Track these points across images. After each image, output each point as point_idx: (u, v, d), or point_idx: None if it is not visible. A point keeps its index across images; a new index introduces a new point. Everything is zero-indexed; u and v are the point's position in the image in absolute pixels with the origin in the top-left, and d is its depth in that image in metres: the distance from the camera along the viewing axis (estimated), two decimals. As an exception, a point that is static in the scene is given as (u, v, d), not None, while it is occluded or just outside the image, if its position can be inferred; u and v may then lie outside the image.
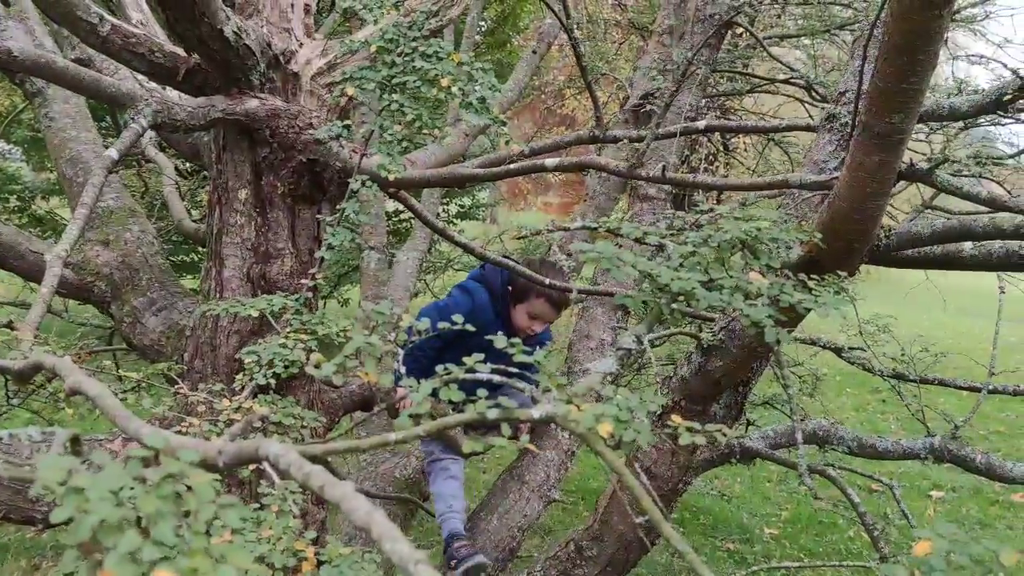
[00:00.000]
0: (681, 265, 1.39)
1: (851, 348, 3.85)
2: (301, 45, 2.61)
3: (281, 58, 2.47)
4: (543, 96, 9.55)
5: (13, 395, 3.01)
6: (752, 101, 7.96)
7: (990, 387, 3.17)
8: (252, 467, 1.87)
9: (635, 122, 4.31)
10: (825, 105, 2.89)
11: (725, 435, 1.17)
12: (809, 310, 1.47)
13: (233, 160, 2.53)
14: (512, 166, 2.55)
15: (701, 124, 3.26)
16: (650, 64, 4.40)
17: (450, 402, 1.11)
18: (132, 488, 0.63)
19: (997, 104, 2.23)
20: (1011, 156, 4.13)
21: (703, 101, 5.25)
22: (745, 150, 8.12)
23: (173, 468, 0.64)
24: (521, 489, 3.31)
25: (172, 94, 2.37)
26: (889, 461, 6.95)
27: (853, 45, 3.05)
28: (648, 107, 4.25)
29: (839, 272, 1.85)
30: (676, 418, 1.16)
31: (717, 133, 6.79)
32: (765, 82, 6.33)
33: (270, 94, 2.45)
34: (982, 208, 2.15)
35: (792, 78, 5.54)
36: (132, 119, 2.07)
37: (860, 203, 1.87)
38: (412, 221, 7.00)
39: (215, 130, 2.54)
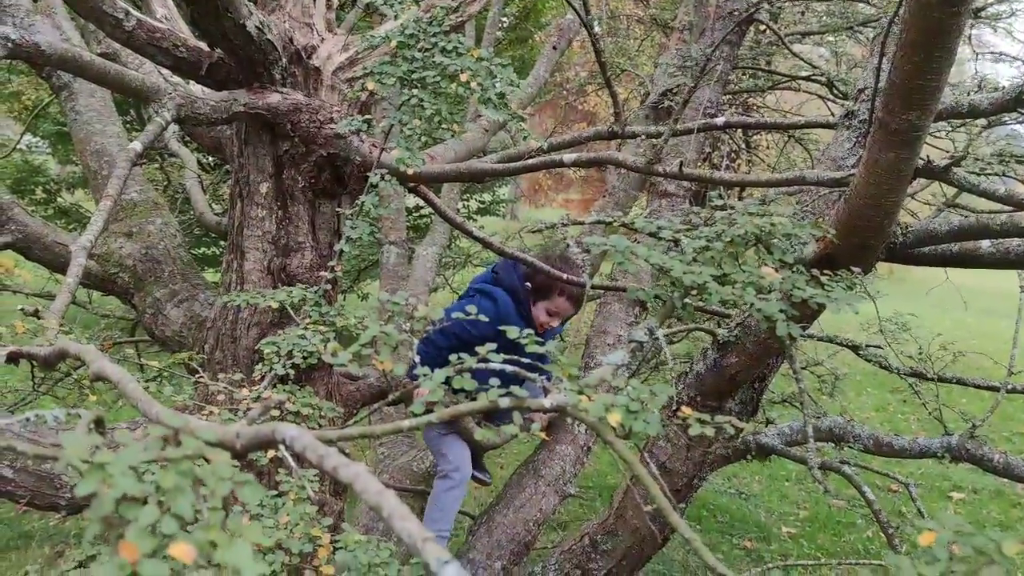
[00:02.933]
0: (694, 259, 1.40)
1: (868, 346, 3.83)
2: (322, 40, 2.64)
3: (303, 53, 2.49)
4: (564, 92, 9.55)
5: (40, 382, 3.06)
6: (774, 98, 7.91)
7: (1009, 386, 3.15)
8: (270, 455, 1.90)
9: (655, 118, 4.32)
10: (846, 102, 2.88)
11: (739, 429, 1.19)
12: (822, 305, 1.47)
13: (255, 154, 2.56)
14: (530, 161, 2.57)
15: (720, 121, 3.26)
16: (670, 60, 4.40)
17: (464, 391, 1.13)
18: (154, 467, 0.65)
19: (1017, 102, 2.22)
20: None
21: (724, 98, 5.24)
22: (767, 147, 8.07)
23: (192, 447, 0.67)
24: (537, 483, 3.33)
25: (195, 88, 2.41)
26: (910, 462, 6.92)
27: (872, 42, 3.04)
28: (668, 103, 4.25)
29: (854, 268, 1.86)
30: (687, 410, 1.17)
31: (739, 130, 6.75)
32: (787, 79, 6.31)
33: (292, 89, 2.48)
34: (1006, 208, 2.14)
35: (814, 75, 5.51)
36: (156, 113, 2.11)
37: (876, 200, 1.87)
38: (432, 216, 7.04)
39: (237, 124, 2.58)
